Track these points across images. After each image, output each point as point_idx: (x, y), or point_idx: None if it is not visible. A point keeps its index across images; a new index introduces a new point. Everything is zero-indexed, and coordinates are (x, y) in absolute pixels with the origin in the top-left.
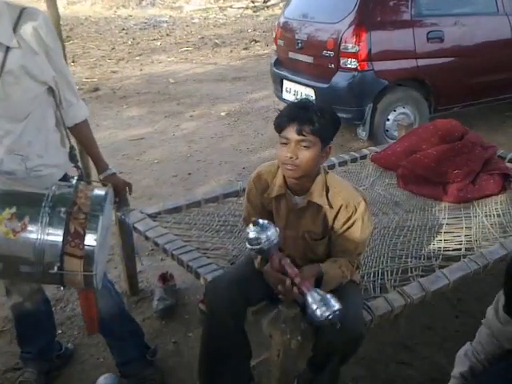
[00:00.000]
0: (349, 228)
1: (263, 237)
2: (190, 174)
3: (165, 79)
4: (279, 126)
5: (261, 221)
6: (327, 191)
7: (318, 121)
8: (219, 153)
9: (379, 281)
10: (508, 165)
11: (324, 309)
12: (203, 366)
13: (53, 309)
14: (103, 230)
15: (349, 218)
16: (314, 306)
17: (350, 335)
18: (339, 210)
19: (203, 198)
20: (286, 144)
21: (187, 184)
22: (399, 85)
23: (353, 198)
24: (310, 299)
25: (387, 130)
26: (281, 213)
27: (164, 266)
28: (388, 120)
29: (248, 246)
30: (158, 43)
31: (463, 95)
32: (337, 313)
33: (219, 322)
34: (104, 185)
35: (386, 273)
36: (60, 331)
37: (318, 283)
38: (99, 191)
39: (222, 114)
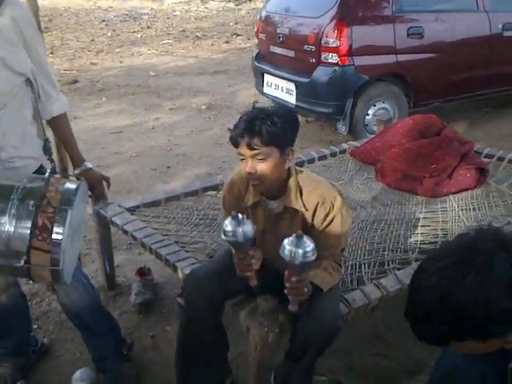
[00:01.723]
0: (329, 224)
1: (239, 230)
2: (169, 167)
3: (145, 72)
4: (234, 143)
5: (239, 215)
6: (301, 193)
7: (268, 131)
8: (199, 146)
9: (356, 274)
10: (484, 160)
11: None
12: (180, 359)
13: (28, 303)
14: (73, 224)
15: (327, 215)
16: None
17: (327, 328)
18: (316, 208)
19: (182, 192)
20: (243, 159)
21: (166, 178)
22: (379, 80)
23: (328, 194)
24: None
25: (367, 125)
26: (258, 219)
27: (142, 261)
28: (368, 115)
29: (223, 237)
30: (139, 35)
31: (442, 91)
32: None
33: (197, 314)
34: (78, 179)
35: (363, 266)
36: (36, 326)
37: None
38: (70, 185)
39: (203, 107)
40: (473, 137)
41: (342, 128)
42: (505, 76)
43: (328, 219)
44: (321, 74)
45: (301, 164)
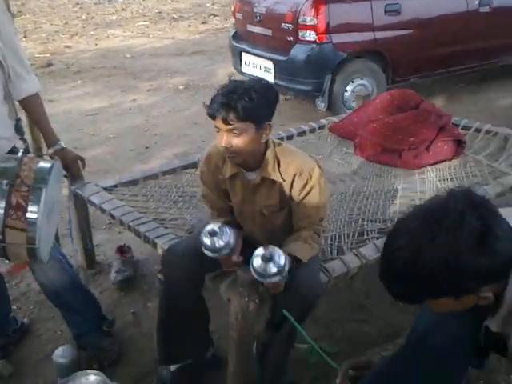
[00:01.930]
0: (307, 195)
1: (221, 244)
2: (147, 148)
3: (121, 54)
4: (210, 116)
5: (216, 228)
6: (279, 164)
7: (244, 106)
8: (177, 126)
9: (336, 244)
10: (461, 132)
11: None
12: (161, 334)
13: (7, 284)
14: (48, 203)
15: (305, 185)
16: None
17: (307, 297)
18: (293, 179)
19: (160, 171)
20: (219, 133)
21: (145, 158)
22: (357, 57)
23: (306, 165)
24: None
25: (345, 102)
26: (236, 190)
27: (122, 239)
28: (346, 91)
29: (206, 252)
30: (114, 18)
31: (420, 67)
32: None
33: (176, 289)
34: (52, 158)
35: (343, 236)
36: (15, 307)
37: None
38: (44, 164)
39: (180, 87)
40: (450, 111)
41: (321, 105)
42: (481, 51)
43: (306, 190)
44: (298, 52)
45: (281, 140)
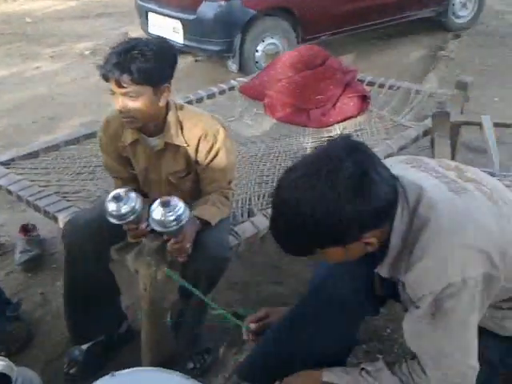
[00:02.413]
0: (214, 158)
1: (127, 209)
2: (52, 118)
3: (21, 18)
4: (103, 78)
5: (122, 193)
6: (182, 128)
7: (139, 68)
8: (84, 94)
9: (247, 206)
10: (366, 87)
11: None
12: (69, 311)
13: None
14: None
15: (211, 148)
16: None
17: (215, 259)
18: (198, 142)
19: (62, 141)
20: (114, 96)
21: (50, 129)
22: (267, 15)
23: (210, 127)
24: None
25: (257, 62)
26: (139, 158)
27: (26, 218)
28: (257, 51)
29: (111, 219)
30: None
31: (329, 24)
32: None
33: (79, 262)
34: None
35: (253, 198)
36: None
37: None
38: None
39: (86, 52)
40: (360, 68)
41: (233, 66)
42: (388, 6)
43: (212, 153)
44: (206, 10)
45: (189, 103)
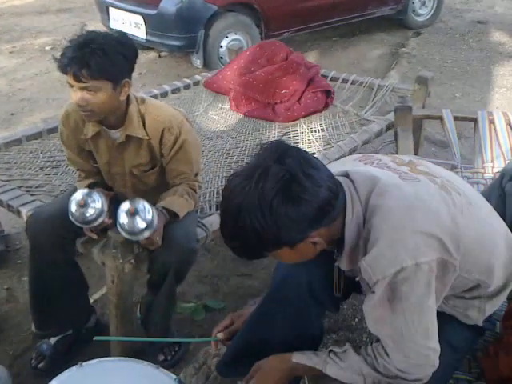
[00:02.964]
0: (179, 149)
1: (92, 215)
2: (12, 114)
3: None
4: (61, 71)
5: (86, 197)
6: (143, 121)
7: (98, 63)
8: (46, 90)
9: (215, 200)
10: (330, 83)
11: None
12: (35, 305)
13: None
14: None
15: (176, 140)
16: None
17: (182, 251)
18: (162, 134)
19: (24, 135)
20: (72, 88)
21: (10, 125)
22: (229, 10)
23: (174, 120)
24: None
25: (222, 57)
26: (101, 151)
27: None
28: (221, 47)
29: (79, 225)
30: None
31: (292, 20)
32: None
33: (44, 255)
34: None
35: (220, 192)
36: None
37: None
38: None
39: (47, 48)
40: (323, 65)
41: (197, 61)
42: (349, 3)
43: (177, 145)
44: (167, 5)
45: (154, 98)
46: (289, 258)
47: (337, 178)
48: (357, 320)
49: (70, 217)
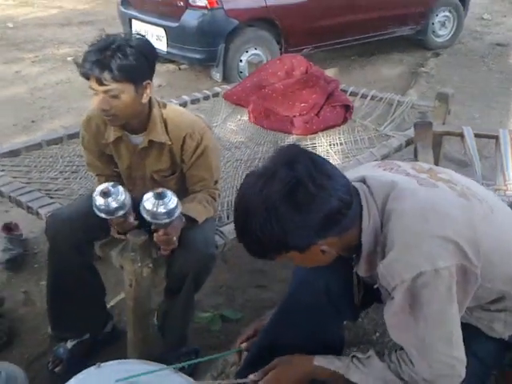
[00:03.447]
0: (200, 156)
1: (115, 205)
2: (33, 121)
3: (2, 24)
4: (83, 76)
5: (110, 187)
6: (166, 125)
7: (120, 65)
8: (66, 99)
9: (232, 209)
10: (349, 98)
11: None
12: (52, 308)
13: None
14: None
15: (197, 146)
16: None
17: (201, 257)
18: (184, 140)
19: (44, 140)
20: (96, 94)
21: (30, 132)
22: (250, 25)
23: (196, 126)
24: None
25: (241, 72)
26: (122, 156)
27: (9, 219)
28: (241, 61)
29: (101, 215)
30: None
31: (312, 37)
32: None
33: (62, 256)
34: None
35: None
36: None
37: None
38: None
39: (69, 58)
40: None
41: (216, 75)
42: (369, 22)
43: (198, 151)
44: (190, 18)
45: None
46: (300, 262)
47: (353, 183)
48: (378, 334)
49: (94, 208)
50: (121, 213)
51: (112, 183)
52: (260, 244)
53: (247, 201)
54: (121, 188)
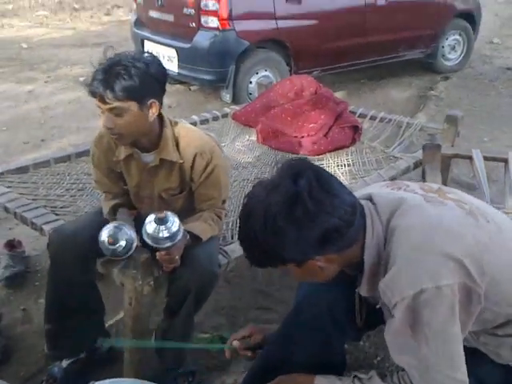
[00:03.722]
0: (209, 175)
1: (122, 250)
2: (43, 140)
3: (17, 44)
4: (91, 94)
5: (114, 233)
6: (177, 144)
7: (123, 85)
8: (77, 118)
9: (237, 228)
10: (358, 119)
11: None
12: (49, 324)
13: None
14: None
15: (207, 165)
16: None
17: (203, 274)
18: (194, 159)
19: (52, 157)
20: (102, 112)
21: (40, 150)
22: (261, 47)
23: (207, 145)
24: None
25: (251, 94)
26: (132, 174)
27: (12, 236)
28: (251, 83)
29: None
30: (10, 7)
31: (322, 59)
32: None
33: (63, 272)
34: None
35: None
36: None
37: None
38: None
39: (81, 79)
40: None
41: (226, 96)
42: (379, 45)
43: (208, 170)
44: (201, 39)
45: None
46: (298, 276)
47: (360, 200)
48: (379, 358)
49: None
50: (130, 253)
51: (115, 224)
52: (259, 251)
53: (251, 206)
54: (125, 229)
